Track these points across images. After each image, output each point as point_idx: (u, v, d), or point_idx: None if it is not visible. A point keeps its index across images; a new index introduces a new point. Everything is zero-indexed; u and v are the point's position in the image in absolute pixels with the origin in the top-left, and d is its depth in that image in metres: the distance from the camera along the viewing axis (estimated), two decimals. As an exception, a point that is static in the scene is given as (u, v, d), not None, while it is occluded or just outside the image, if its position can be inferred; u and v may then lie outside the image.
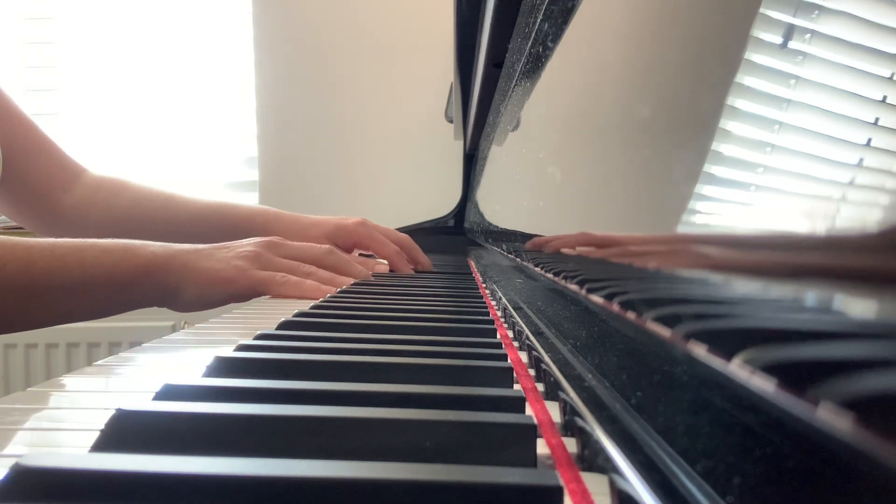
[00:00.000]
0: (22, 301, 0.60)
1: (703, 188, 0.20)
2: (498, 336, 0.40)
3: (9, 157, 0.82)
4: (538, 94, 0.54)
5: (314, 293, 0.64)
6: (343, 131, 1.60)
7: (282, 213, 0.90)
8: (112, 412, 0.21)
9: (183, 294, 0.65)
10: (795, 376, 0.13)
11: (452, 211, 1.43)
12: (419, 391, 0.25)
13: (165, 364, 0.38)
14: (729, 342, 0.15)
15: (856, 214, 0.12)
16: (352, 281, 0.70)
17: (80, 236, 0.65)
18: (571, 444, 0.23)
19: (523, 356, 0.37)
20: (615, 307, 0.25)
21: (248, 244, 0.69)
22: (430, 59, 1.55)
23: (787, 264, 0.15)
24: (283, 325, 0.40)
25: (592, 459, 0.21)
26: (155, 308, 0.69)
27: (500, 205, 0.77)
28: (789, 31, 0.16)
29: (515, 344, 0.41)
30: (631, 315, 0.23)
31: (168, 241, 0.67)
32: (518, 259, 0.57)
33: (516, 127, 0.66)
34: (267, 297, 0.71)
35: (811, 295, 0.13)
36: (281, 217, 0.89)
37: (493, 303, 0.60)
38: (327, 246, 0.73)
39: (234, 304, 0.67)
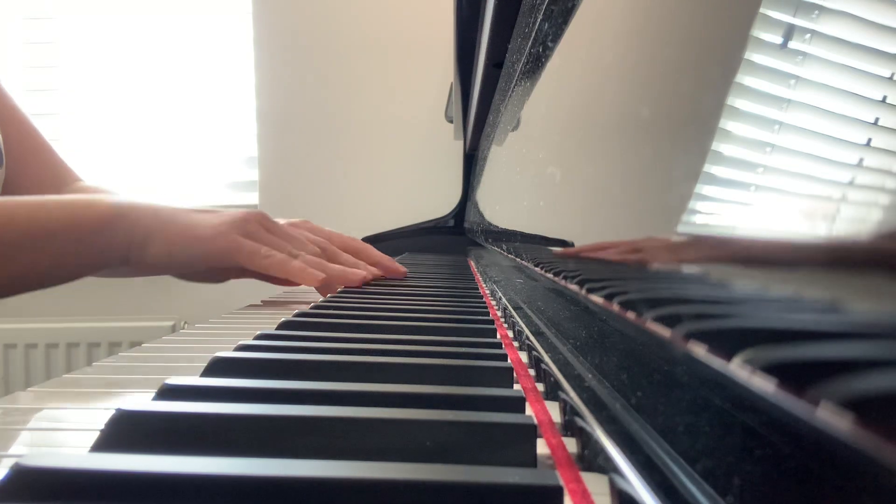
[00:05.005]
0: None
1: (703, 188, 0.20)
2: (498, 336, 0.40)
3: (8, 161, 0.81)
4: (538, 94, 0.54)
5: (299, 275, 0.60)
6: (343, 131, 1.60)
7: None
8: (112, 412, 0.21)
9: (150, 248, 0.59)
10: (795, 376, 0.13)
11: (452, 211, 1.43)
12: (419, 391, 0.25)
13: (165, 364, 0.38)
14: (729, 342, 0.15)
15: (856, 214, 0.12)
16: (340, 270, 0.65)
17: None
18: (571, 444, 0.23)
19: (523, 356, 0.37)
20: (615, 307, 0.25)
21: (233, 211, 0.64)
22: (430, 59, 1.55)
23: (787, 264, 0.15)
24: (283, 325, 0.40)
25: (592, 459, 0.21)
26: (155, 308, 0.65)
27: (500, 205, 0.77)
28: (789, 31, 0.16)
29: (515, 344, 0.41)
30: (631, 315, 0.23)
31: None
32: (518, 259, 0.56)
33: (516, 127, 0.66)
34: (261, 299, 0.70)
35: (811, 295, 0.13)
36: None
37: (493, 303, 0.60)
38: (321, 239, 0.70)
39: (233, 305, 0.65)
